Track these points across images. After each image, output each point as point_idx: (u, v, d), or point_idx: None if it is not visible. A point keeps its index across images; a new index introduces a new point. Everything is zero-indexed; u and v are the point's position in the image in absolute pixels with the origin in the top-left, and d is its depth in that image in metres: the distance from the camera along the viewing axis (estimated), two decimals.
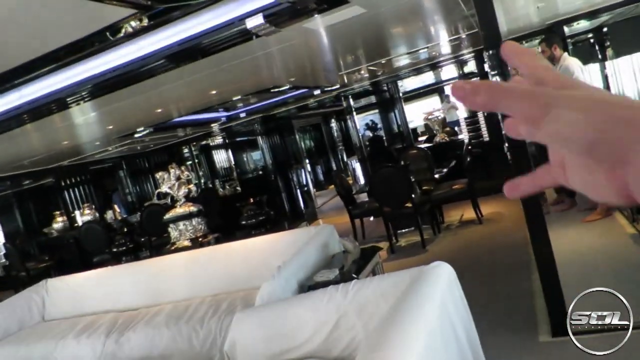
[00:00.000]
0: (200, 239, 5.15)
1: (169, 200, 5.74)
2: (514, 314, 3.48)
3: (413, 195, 5.51)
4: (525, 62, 0.38)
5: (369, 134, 10.83)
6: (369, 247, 3.56)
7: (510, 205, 6.33)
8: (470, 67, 9.48)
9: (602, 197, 0.34)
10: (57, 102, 4.04)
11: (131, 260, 6.15)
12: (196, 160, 11.02)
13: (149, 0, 2.45)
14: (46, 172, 8.85)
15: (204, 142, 10.98)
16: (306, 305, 2.38)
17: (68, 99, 4.01)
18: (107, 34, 3.19)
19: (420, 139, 10.02)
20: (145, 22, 2.78)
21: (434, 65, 9.13)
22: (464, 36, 6.31)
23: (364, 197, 7.04)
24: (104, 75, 3.63)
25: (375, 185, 5.62)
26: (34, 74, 3.51)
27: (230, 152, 10.83)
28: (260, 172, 10.29)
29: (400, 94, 9.53)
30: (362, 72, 7.84)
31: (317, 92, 8.04)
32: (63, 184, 9.07)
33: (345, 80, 8.18)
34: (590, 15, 5.85)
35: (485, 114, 7.93)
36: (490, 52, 3.18)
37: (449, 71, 10.29)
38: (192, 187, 5.40)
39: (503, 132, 3.42)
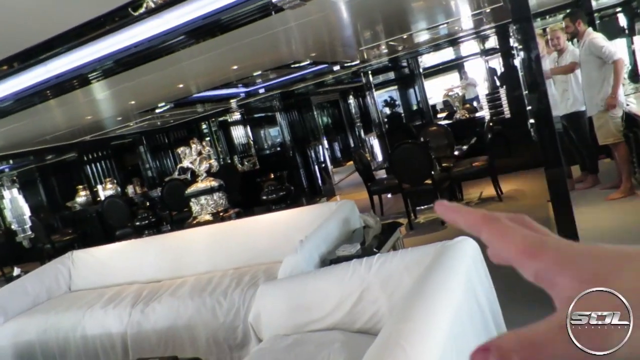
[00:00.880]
0: (221, 214, 5.21)
1: (189, 175, 5.80)
2: (534, 291, 3.47)
3: (433, 172, 5.48)
4: (460, 219, 0.40)
5: (387, 110, 10.74)
6: (389, 222, 3.57)
7: (531, 183, 6.28)
8: (491, 42, 9.31)
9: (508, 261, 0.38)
10: (79, 78, 4.08)
11: (153, 234, 6.26)
12: (214, 136, 11.09)
13: None
14: (69, 147, 8.99)
15: (222, 118, 11.02)
16: (330, 278, 2.41)
17: (90, 75, 4.04)
18: (129, 9, 3.20)
19: (439, 115, 9.92)
20: None
21: (454, 41, 8.98)
22: (487, 10, 6.18)
23: (381, 174, 7.04)
24: (126, 51, 3.65)
25: (395, 162, 5.60)
26: (57, 50, 3.54)
27: (248, 128, 10.86)
28: (278, 149, 10.31)
29: (421, 70, 9.40)
30: (382, 47, 7.75)
31: (336, 67, 7.98)
32: (85, 158, 9.21)
33: (365, 56, 8.10)
34: None
35: (508, 93, 7.82)
36: (518, 25, 3.11)
37: (469, 47, 10.12)
38: (213, 162, 5.44)
39: (528, 108, 3.36)
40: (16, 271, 5.68)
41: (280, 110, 9.15)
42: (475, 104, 9.45)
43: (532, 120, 3.79)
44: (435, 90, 10.68)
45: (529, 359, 0.31)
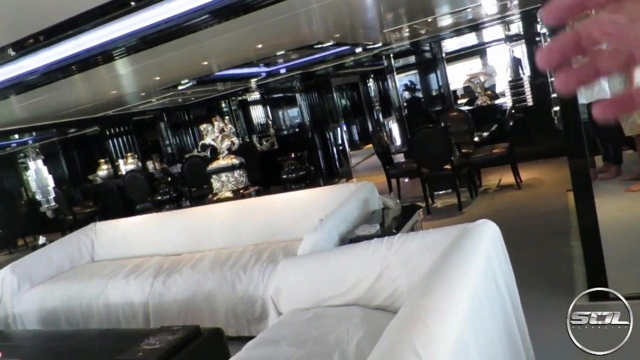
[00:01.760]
0: (241, 191, 5.29)
1: (209, 153, 5.87)
2: (553, 278, 3.49)
3: (452, 158, 5.48)
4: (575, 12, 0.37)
5: (407, 94, 10.68)
6: (408, 205, 3.60)
7: (551, 172, 6.24)
8: (515, 29, 9.15)
9: None
10: (104, 55, 4.14)
11: (173, 209, 6.38)
12: (234, 115, 11.15)
13: None
14: (91, 122, 9.13)
15: (241, 98, 11.06)
16: (351, 256, 2.46)
17: (115, 52, 4.10)
18: None
19: (460, 101, 9.83)
20: None
21: (477, 26, 8.86)
22: None
23: (399, 157, 7.04)
24: (153, 29, 3.70)
25: (415, 146, 5.60)
26: (83, 27, 3.60)
27: (267, 108, 10.90)
28: (297, 129, 10.33)
29: (443, 55, 9.30)
30: (405, 30, 7.68)
31: (358, 50, 7.95)
32: (107, 133, 9.35)
33: (388, 39, 8.04)
34: None
35: (530, 78, 7.72)
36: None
37: (492, 33, 9.95)
38: (234, 139, 5.50)
39: (554, 94, 3.34)
40: (41, 240, 5.86)
41: (300, 91, 9.16)
42: (492, 92, 9.33)
43: (556, 108, 3.77)
44: (457, 76, 10.56)
45: None
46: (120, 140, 9.51)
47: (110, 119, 9.29)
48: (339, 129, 10.14)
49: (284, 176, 6.03)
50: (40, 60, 4.08)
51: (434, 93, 9.85)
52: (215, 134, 5.41)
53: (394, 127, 10.25)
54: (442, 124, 6.26)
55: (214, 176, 5.44)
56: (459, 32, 9.00)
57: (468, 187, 5.98)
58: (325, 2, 4.22)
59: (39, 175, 6.33)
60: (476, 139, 6.24)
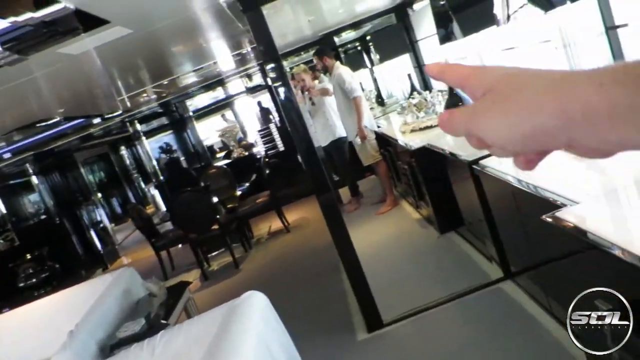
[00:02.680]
0: None
1: None
2: (331, 317, 3.56)
3: (218, 216, 5.34)
4: (452, 77, 0.43)
5: (165, 156, 10.31)
6: (176, 284, 3.28)
7: (313, 210, 6.59)
8: (257, 80, 9.68)
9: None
10: None
11: None
12: None
13: None
14: None
15: None
16: None
17: None
18: None
19: (218, 155, 9.89)
20: None
21: (222, 80, 9.10)
22: (247, 50, 6.37)
23: (169, 225, 6.62)
24: None
25: (177, 212, 5.30)
26: None
27: None
28: (43, 217, 8.92)
29: (191, 113, 9.27)
30: (147, 94, 7.38)
31: (97, 120, 7.30)
32: None
33: (129, 104, 7.61)
34: (355, 25, 6.42)
35: (279, 125, 8.18)
36: (269, 65, 3.18)
37: (237, 85, 10.36)
38: None
39: (294, 142, 3.47)
40: None
41: (37, 173, 7.96)
42: (246, 142, 9.62)
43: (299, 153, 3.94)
44: (210, 131, 10.65)
45: None
46: None
47: None
48: (94, 207, 9.13)
49: (21, 284, 5.01)
50: None
51: (192, 151, 9.71)
52: None
53: (156, 194, 9.71)
54: (202, 183, 6.10)
55: None
56: (205, 89, 9.10)
57: (241, 241, 5.91)
58: (44, 72, 3.67)
59: None
60: (239, 192, 6.25)
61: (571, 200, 1.73)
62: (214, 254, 6.00)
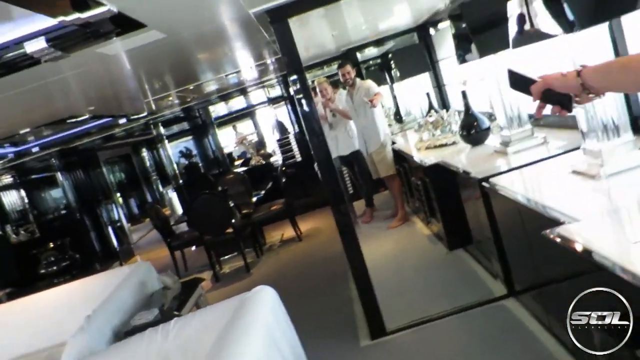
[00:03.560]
0: None
1: None
2: (337, 323, 3.64)
3: (233, 220, 5.48)
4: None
5: (185, 161, 10.52)
6: (190, 279, 3.40)
7: (327, 220, 6.69)
8: (279, 90, 9.87)
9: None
10: None
11: None
12: None
13: None
14: None
15: None
16: (123, 355, 2.16)
17: None
18: None
19: (236, 162, 10.07)
20: None
21: (244, 90, 9.29)
22: (269, 61, 6.54)
23: (183, 227, 6.77)
24: None
25: (194, 214, 5.45)
26: None
27: (23, 191, 9.43)
28: (63, 212, 9.16)
29: (213, 119, 9.47)
30: (172, 98, 7.59)
31: (122, 120, 7.53)
32: None
33: (154, 107, 7.83)
34: (377, 42, 6.57)
35: (297, 137, 8.32)
36: (294, 76, 3.31)
37: (258, 96, 10.57)
38: None
39: (312, 153, 3.60)
40: None
41: (62, 169, 8.21)
42: (264, 151, 9.77)
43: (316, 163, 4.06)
44: (230, 138, 10.87)
45: None
46: None
47: None
48: (113, 205, 9.36)
49: (42, 271, 5.19)
50: None
51: (211, 157, 9.90)
52: None
53: (174, 196, 9.91)
54: (220, 188, 6.26)
55: None
56: (227, 97, 9.30)
57: (253, 247, 6.03)
58: (77, 71, 3.85)
59: None
60: (254, 198, 6.39)
61: (575, 218, 1.78)
62: (226, 257, 6.13)
